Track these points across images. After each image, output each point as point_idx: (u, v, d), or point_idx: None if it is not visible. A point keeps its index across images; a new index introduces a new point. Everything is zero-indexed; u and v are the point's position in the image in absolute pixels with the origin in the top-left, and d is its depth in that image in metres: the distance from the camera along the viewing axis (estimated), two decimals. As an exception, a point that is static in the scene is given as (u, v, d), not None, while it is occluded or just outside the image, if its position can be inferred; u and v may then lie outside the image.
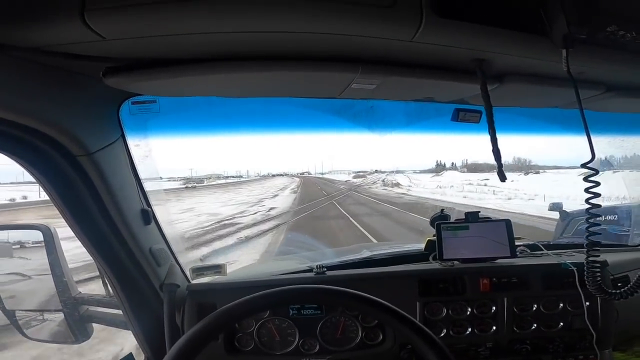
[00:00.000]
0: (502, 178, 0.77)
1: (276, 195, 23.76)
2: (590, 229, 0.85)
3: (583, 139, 0.80)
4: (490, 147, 0.78)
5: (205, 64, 0.70)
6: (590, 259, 0.90)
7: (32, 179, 0.80)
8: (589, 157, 0.76)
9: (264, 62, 0.71)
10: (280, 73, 0.75)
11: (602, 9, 0.63)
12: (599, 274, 0.94)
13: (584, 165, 0.77)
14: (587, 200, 0.81)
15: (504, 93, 0.91)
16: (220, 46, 0.66)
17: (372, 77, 0.79)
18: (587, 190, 0.80)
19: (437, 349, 0.71)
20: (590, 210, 0.83)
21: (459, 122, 1.07)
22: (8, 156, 0.74)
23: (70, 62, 0.65)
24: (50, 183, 0.80)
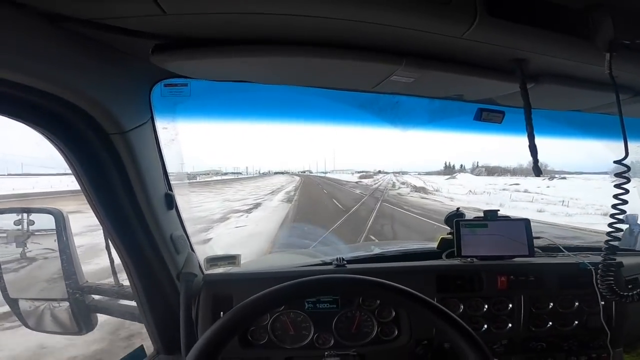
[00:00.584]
0: (538, 173, 0.78)
1: (257, 206, 14.73)
2: (612, 234, 0.87)
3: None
4: (527, 144, 0.78)
5: (254, 47, 0.69)
6: (608, 261, 0.93)
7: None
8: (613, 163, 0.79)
9: (312, 47, 0.70)
10: (325, 60, 0.74)
11: None
12: (612, 276, 0.97)
13: (617, 162, 0.79)
14: (614, 206, 0.83)
15: (537, 94, 0.93)
16: (271, 28, 0.65)
17: (413, 70, 0.79)
18: (615, 196, 0.82)
19: (477, 344, 0.71)
20: (615, 216, 0.85)
21: (482, 121, 1.08)
22: (40, 131, 0.71)
23: (120, 38, 0.64)
24: (79, 160, 0.78)
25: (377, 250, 1.46)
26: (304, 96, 1.04)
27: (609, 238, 0.89)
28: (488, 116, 1.09)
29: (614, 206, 0.84)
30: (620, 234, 0.90)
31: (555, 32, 0.67)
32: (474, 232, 1.21)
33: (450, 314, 0.75)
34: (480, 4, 0.60)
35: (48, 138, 0.73)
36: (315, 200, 17.29)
